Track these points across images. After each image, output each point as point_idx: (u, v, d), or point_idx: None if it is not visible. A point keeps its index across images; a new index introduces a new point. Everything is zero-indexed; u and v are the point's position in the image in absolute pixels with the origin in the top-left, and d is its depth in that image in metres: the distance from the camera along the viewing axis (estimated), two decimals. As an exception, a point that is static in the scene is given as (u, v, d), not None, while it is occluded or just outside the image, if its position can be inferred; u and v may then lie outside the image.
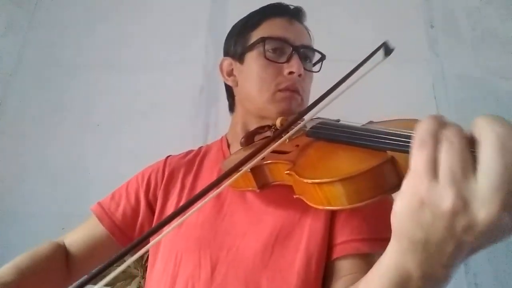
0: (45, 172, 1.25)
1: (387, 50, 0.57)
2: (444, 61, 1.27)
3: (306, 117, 0.52)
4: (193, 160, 0.78)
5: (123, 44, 1.41)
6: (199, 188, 0.71)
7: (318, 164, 0.48)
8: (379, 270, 0.38)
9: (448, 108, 1.19)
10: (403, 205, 0.30)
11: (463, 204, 0.27)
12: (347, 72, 0.53)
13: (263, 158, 0.58)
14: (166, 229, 0.41)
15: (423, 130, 0.30)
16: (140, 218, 0.73)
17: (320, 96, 0.51)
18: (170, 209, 0.71)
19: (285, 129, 0.51)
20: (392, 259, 0.35)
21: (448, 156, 0.28)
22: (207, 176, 0.73)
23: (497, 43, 1.27)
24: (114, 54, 1.40)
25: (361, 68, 0.53)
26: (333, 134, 0.50)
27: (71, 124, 1.32)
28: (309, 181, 0.43)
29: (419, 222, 0.29)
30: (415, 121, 0.47)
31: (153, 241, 0.45)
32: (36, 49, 1.43)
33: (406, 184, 0.30)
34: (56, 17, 1.48)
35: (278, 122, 0.65)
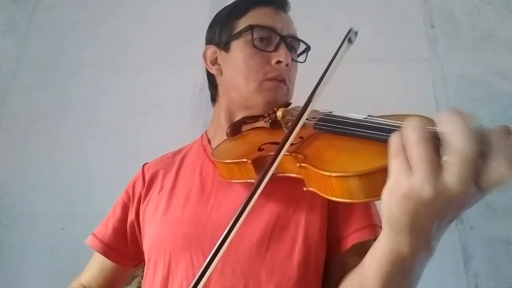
0: (46, 172, 1.25)
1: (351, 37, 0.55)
2: (444, 61, 1.27)
3: (309, 108, 0.51)
4: (173, 160, 0.77)
5: (123, 44, 1.41)
6: (180, 186, 0.70)
7: (337, 157, 0.47)
8: (375, 254, 0.44)
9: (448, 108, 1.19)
10: (390, 198, 0.36)
11: (436, 192, 0.32)
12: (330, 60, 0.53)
13: (262, 150, 0.58)
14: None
15: (394, 142, 0.36)
16: (128, 228, 0.74)
17: (315, 86, 0.52)
18: (150, 212, 0.70)
19: (298, 119, 0.50)
20: (387, 243, 0.40)
21: (417, 155, 0.33)
22: (189, 174, 0.72)
23: (497, 43, 1.27)
24: (114, 54, 1.40)
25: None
26: (349, 129, 0.49)
27: (71, 124, 1.32)
28: (333, 174, 0.42)
29: (404, 210, 0.35)
30: (419, 117, 0.47)
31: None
32: (36, 48, 1.44)
33: (390, 181, 0.36)
34: (56, 17, 1.48)
35: (279, 114, 0.63)
